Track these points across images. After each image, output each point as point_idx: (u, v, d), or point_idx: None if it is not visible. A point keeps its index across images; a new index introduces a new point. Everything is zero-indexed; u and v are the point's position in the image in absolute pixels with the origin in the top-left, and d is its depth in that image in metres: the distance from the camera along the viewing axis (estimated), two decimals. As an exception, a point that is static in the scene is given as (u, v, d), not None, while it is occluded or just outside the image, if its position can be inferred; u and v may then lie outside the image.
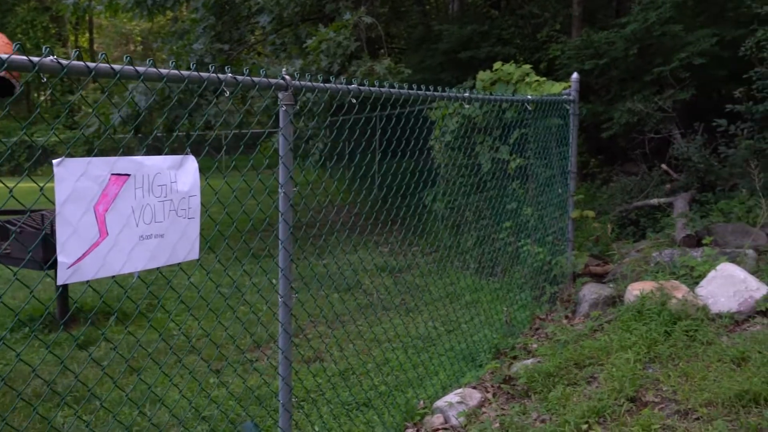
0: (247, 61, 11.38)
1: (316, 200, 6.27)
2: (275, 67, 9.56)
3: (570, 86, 6.33)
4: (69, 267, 2.11)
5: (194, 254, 2.59)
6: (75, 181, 2.14)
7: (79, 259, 2.15)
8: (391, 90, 3.75)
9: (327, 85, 3.21)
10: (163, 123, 9.93)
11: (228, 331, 4.16)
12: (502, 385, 4.38)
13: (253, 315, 5.69)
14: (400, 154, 4.33)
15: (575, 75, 6.35)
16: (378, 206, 4.24)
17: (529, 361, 4.62)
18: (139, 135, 11.13)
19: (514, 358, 4.87)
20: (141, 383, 4.41)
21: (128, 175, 2.33)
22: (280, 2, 10.88)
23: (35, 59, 2.05)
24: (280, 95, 3.01)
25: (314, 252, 8.17)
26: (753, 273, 5.20)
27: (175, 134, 10.06)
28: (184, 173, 2.55)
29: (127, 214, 2.32)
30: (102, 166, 2.23)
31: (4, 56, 1.98)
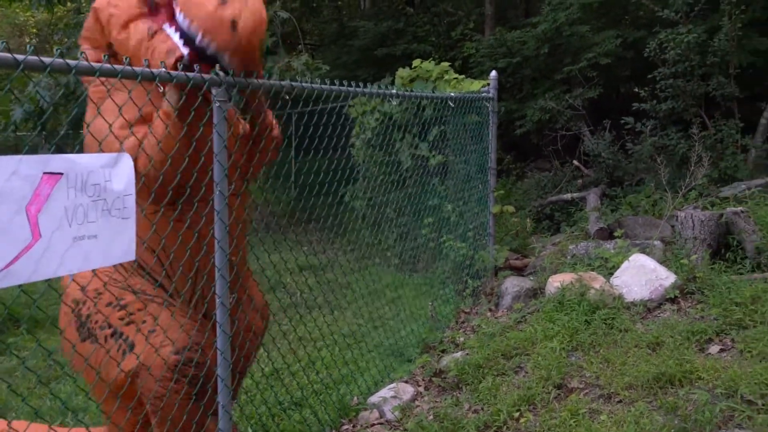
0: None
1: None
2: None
3: (489, 84, 6.46)
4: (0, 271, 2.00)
5: (130, 255, 2.49)
6: (5, 180, 2.02)
7: (11, 263, 2.03)
8: (323, 87, 3.73)
9: (261, 81, 3.16)
10: (69, 120, 9.42)
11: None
12: (434, 379, 4.45)
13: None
14: (320, 152, 4.26)
15: (494, 73, 6.47)
16: (301, 204, 4.20)
17: (457, 354, 4.71)
18: (44, 133, 10.55)
19: (443, 351, 4.95)
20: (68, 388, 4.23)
21: (61, 174, 2.22)
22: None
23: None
24: (213, 91, 2.94)
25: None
26: (661, 263, 5.48)
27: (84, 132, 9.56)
28: (118, 172, 2.45)
29: (60, 215, 2.21)
30: (34, 165, 2.12)
31: None
